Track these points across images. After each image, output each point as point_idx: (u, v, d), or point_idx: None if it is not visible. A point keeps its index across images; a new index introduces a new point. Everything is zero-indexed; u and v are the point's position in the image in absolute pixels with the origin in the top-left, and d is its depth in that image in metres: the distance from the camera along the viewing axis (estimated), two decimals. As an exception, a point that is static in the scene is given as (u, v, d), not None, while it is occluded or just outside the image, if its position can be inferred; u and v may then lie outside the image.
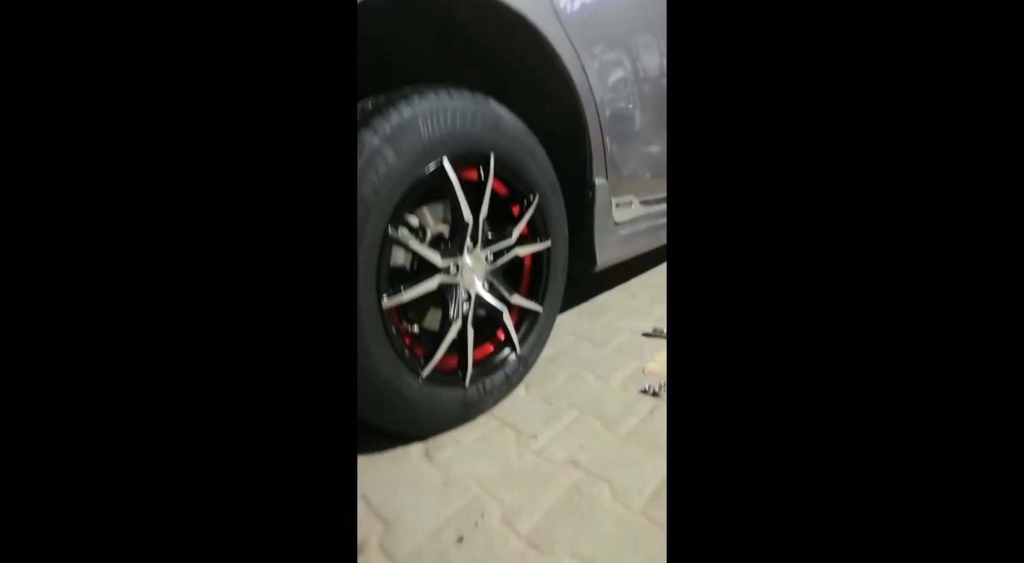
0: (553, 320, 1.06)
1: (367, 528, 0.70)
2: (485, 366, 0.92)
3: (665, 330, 1.30)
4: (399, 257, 0.80)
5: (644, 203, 1.31)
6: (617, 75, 1.10)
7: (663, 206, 1.41)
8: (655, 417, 0.93)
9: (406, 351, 0.77)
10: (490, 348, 0.96)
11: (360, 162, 0.64)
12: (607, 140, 1.07)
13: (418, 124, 0.70)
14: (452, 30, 0.90)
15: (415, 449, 0.87)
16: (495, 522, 0.70)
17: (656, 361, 1.15)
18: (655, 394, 1.00)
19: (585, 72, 0.98)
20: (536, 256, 1.00)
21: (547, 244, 0.98)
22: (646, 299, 1.62)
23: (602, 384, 1.07)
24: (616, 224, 1.19)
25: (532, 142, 0.90)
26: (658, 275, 1.88)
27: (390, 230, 0.70)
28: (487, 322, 0.94)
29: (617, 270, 2.00)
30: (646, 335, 1.31)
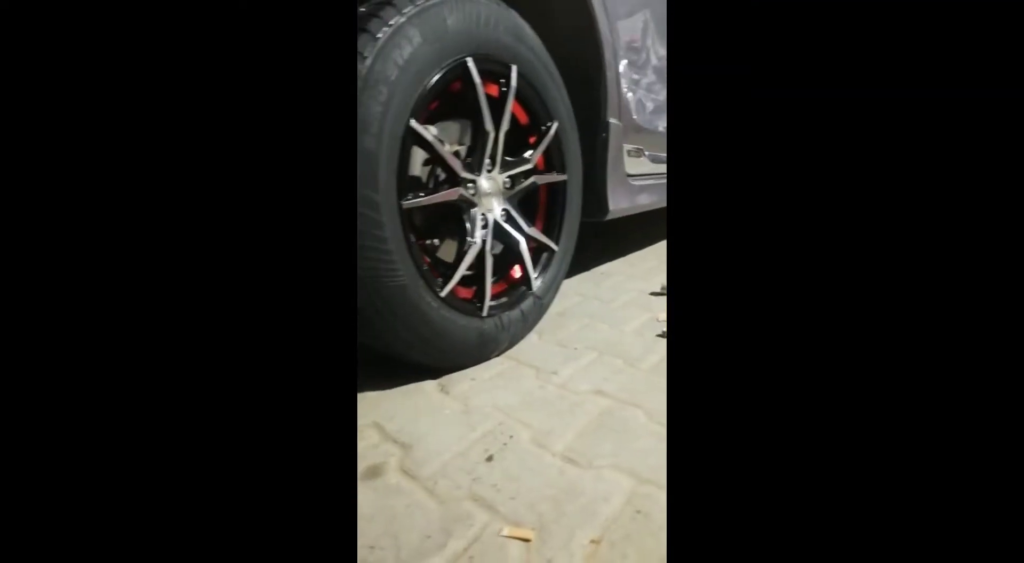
0: (568, 260, 1.01)
1: (383, 453, 0.62)
2: (502, 299, 0.86)
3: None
4: (416, 167, 0.74)
5: (654, 160, 1.29)
6: (633, 21, 1.08)
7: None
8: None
9: (424, 266, 0.71)
10: (505, 285, 0.90)
11: (381, 40, 0.59)
12: (622, 81, 1.05)
13: (443, 11, 0.65)
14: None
15: (428, 384, 0.80)
16: (524, 442, 0.64)
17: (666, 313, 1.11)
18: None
19: (605, 7, 0.95)
20: (552, 191, 0.96)
21: (564, 177, 0.94)
22: (644, 269, 1.59)
23: (617, 331, 1.02)
24: (628, 175, 1.16)
25: (551, 65, 0.87)
26: (653, 251, 1.87)
27: (412, 123, 0.64)
28: (503, 257, 0.88)
29: (613, 244, 1.98)
30: (654, 294, 1.28)
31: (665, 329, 1.00)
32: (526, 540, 0.47)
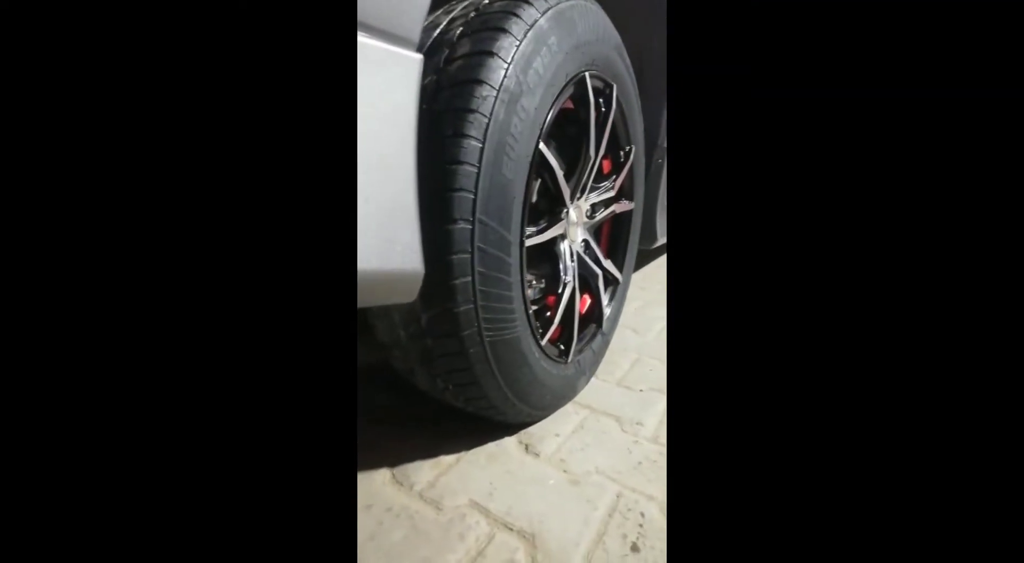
0: (626, 291, 0.94)
1: (504, 547, 0.51)
2: (580, 339, 0.77)
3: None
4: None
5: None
6: None
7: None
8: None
9: (530, 311, 0.60)
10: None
11: (523, 43, 0.48)
12: (679, 103, 1.00)
13: (574, 14, 0.56)
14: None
15: (509, 443, 0.68)
16: (660, 520, 0.55)
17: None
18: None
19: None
20: (617, 219, 0.88)
21: (632, 205, 0.87)
22: (656, 292, 1.57)
23: (673, 368, 0.96)
24: (668, 199, 1.11)
25: (635, 84, 0.79)
26: (657, 269, 1.85)
27: (541, 146, 0.54)
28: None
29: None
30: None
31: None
32: None
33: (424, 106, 0.44)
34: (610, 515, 0.56)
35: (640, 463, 0.65)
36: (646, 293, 1.53)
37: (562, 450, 0.67)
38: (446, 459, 0.64)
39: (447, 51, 0.47)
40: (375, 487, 0.58)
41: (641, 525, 0.55)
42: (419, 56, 0.39)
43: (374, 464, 0.62)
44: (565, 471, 0.63)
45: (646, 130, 0.96)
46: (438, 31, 0.49)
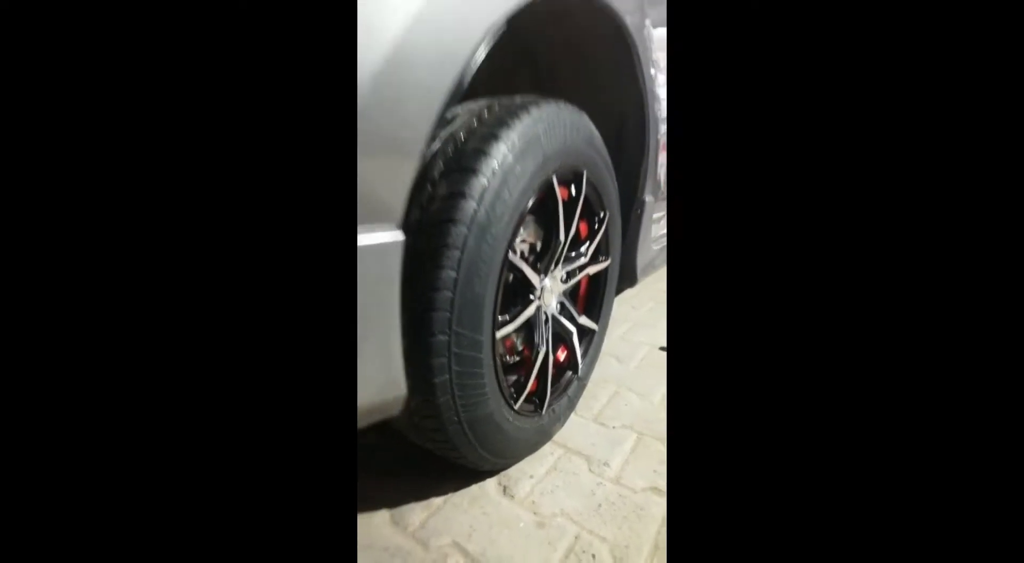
0: (604, 337, 1.04)
1: (476, 582, 0.63)
2: (555, 390, 0.87)
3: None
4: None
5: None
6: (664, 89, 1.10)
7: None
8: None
9: (505, 386, 0.70)
10: (555, 371, 0.91)
11: (494, 184, 0.57)
12: (659, 156, 1.07)
13: (540, 137, 0.64)
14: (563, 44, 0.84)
15: (490, 485, 0.80)
16: (609, 561, 0.67)
17: (688, 377, 1.17)
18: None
19: (649, 87, 0.96)
20: (592, 276, 0.97)
21: (608, 262, 0.96)
22: (645, 312, 1.65)
23: (646, 403, 1.06)
24: (652, 240, 1.19)
25: (608, 158, 0.87)
26: (645, 287, 1.93)
27: (510, 254, 0.63)
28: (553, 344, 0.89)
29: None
30: (663, 349, 1.34)
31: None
32: None
33: (410, 241, 0.53)
34: (566, 556, 0.67)
35: (600, 505, 0.77)
36: (636, 313, 1.62)
37: (534, 492, 0.79)
38: (435, 501, 0.76)
39: (429, 189, 0.56)
40: (374, 528, 0.71)
41: (591, 558, 0.66)
42: (401, 238, 0.49)
43: (374, 506, 0.74)
44: (535, 513, 0.75)
45: (624, 186, 1.04)
46: (423, 168, 0.58)
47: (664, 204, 1.22)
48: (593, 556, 0.67)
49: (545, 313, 0.81)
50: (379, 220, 0.48)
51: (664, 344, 1.36)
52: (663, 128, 1.05)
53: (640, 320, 1.55)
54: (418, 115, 0.49)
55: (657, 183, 1.12)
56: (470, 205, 0.55)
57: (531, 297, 0.75)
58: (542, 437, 0.85)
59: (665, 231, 1.29)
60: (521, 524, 0.72)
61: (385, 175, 0.47)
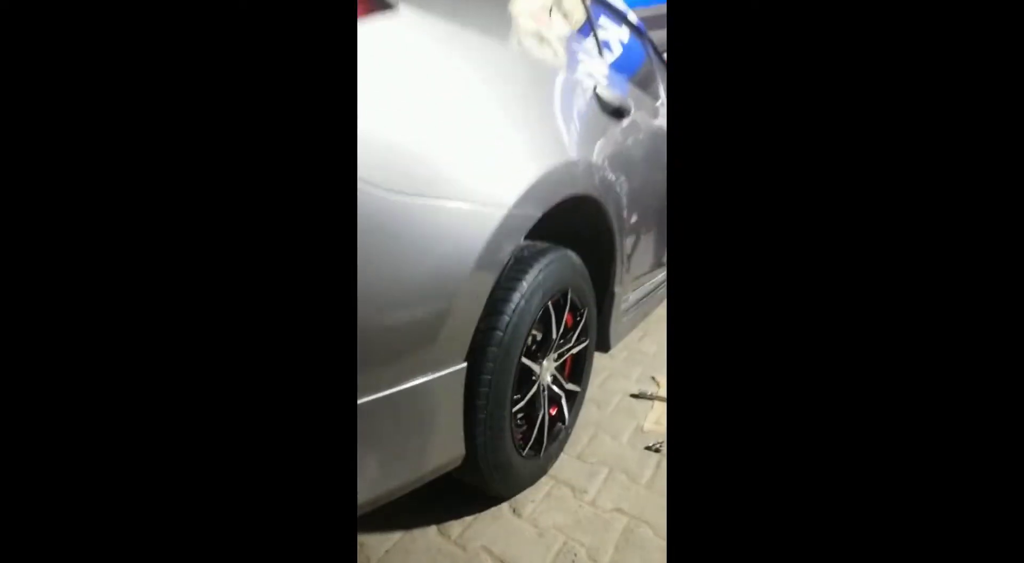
0: (585, 393, 1.40)
1: (499, 572, 0.97)
2: (549, 439, 1.23)
3: (648, 391, 1.70)
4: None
5: (635, 290, 1.71)
6: (630, 220, 1.47)
7: (646, 286, 1.82)
8: (661, 468, 1.30)
9: (518, 443, 1.06)
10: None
11: (514, 317, 0.93)
12: (623, 265, 1.45)
13: (543, 280, 1.01)
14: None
15: (504, 507, 1.14)
16: (584, 559, 1.01)
17: (650, 421, 1.53)
18: (657, 450, 1.37)
19: (617, 227, 1.34)
20: (577, 352, 1.33)
21: (587, 342, 1.32)
22: (620, 360, 2.01)
23: (616, 443, 1.42)
24: (621, 313, 1.57)
25: (587, 273, 1.24)
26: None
27: (524, 360, 0.99)
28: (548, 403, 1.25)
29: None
30: (634, 396, 1.70)
31: (651, 442, 1.41)
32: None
33: (468, 364, 0.88)
34: (557, 556, 1.02)
35: (580, 521, 1.11)
36: (613, 362, 1.98)
37: (535, 512, 1.13)
38: (467, 519, 1.10)
39: (480, 327, 0.91)
40: (428, 537, 1.05)
41: (576, 557, 1.01)
42: (464, 365, 0.85)
43: (425, 522, 1.08)
44: (535, 526, 1.09)
45: (599, 286, 1.41)
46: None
47: (632, 284, 1.60)
48: (575, 555, 1.02)
49: (542, 386, 1.17)
50: (458, 356, 0.83)
51: (633, 392, 1.73)
52: (628, 241, 1.43)
53: (615, 369, 1.91)
54: (485, 283, 0.84)
55: (625, 277, 1.50)
56: (498, 335, 0.91)
57: (533, 379, 1.11)
58: (540, 472, 1.20)
59: (632, 301, 1.67)
60: (527, 534, 1.07)
61: (465, 327, 0.83)
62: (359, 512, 0.72)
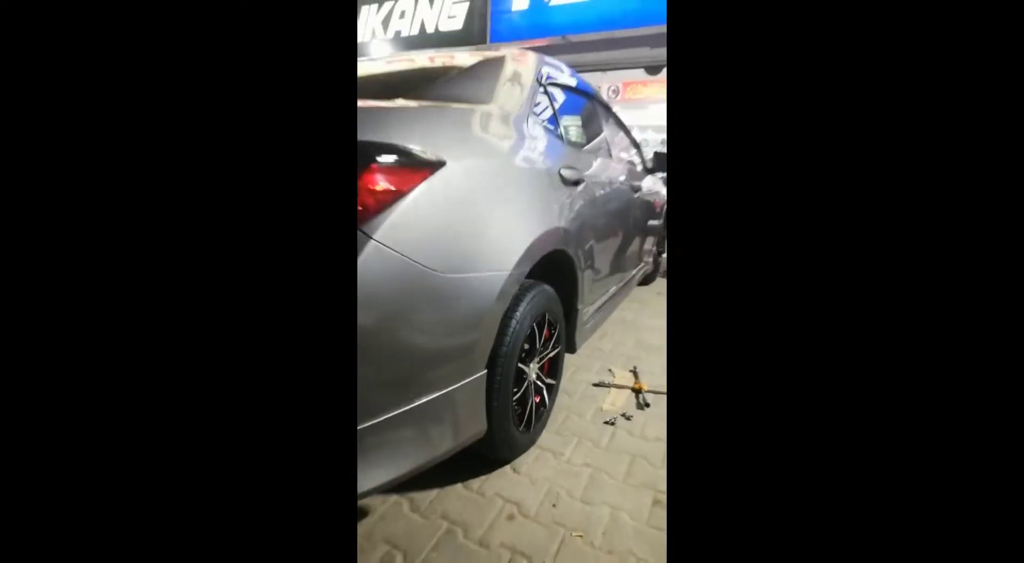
0: (560, 384, 1.90)
1: (508, 510, 1.45)
2: (536, 418, 1.72)
3: (605, 380, 2.21)
4: (507, 370, 1.57)
5: (592, 305, 2.22)
6: (586, 258, 1.97)
7: (599, 302, 2.34)
8: (616, 436, 1.81)
9: (515, 417, 1.54)
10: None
11: (511, 337, 1.41)
12: (583, 289, 1.95)
13: (529, 308, 1.49)
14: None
15: (507, 468, 1.62)
16: (566, 498, 1.51)
17: (607, 403, 2.05)
18: (612, 423, 1.89)
19: (578, 265, 1.83)
20: (553, 356, 1.83)
21: (560, 348, 1.82)
22: (583, 355, 2.53)
23: (583, 420, 1.92)
24: (583, 323, 2.07)
25: (558, 299, 1.74)
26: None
27: (519, 364, 1.47)
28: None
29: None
30: (595, 385, 2.21)
31: (607, 419, 1.93)
32: (580, 536, 1.34)
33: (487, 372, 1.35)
34: (546, 496, 1.51)
35: (560, 473, 1.61)
36: (579, 359, 2.49)
37: (529, 470, 1.62)
38: (483, 477, 1.57)
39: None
40: (455, 491, 1.51)
41: (558, 497, 1.50)
42: (485, 372, 1.31)
43: (451, 480, 1.55)
44: (530, 478, 1.57)
45: (566, 306, 1.91)
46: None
47: (591, 299, 2.11)
48: (558, 496, 1.51)
49: (530, 382, 1.66)
50: (482, 366, 1.29)
51: (594, 382, 2.24)
52: (586, 274, 1.94)
53: (580, 364, 2.43)
54: (497, 317, 1.31)
55: (586, 296, 2.00)
56: (504, 350, 1.38)
57: (524, 377, 1.59)
58: (530, 443, 1.69)
59: (591, 311, 2.18)
60: (524, 484, 1.55)
61: (486, 347, 1.29)
62: (432, 464, 1.17)
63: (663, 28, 5.12)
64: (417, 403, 1.08)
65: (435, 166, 1.08)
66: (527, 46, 5.99)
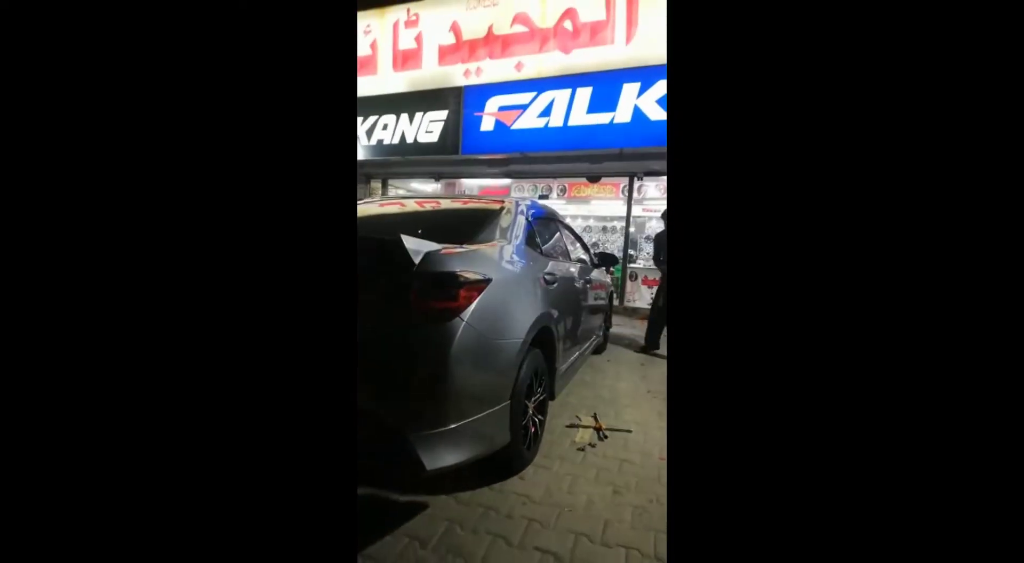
0: (548, 418, 2.70)
1: (522, 500, 2.18)
2: (534, 441, 2.49)
3: (575, 423, 3.02)
4: (516, 406, 2.37)
5: (565, 363, 3.08)
6: (562, 331, 2.87)
7: (570, 360, 3.20)
8: (586, 458, 2.59)
9: (523, 439, 2.32)
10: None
11: (523, 375, 2.23)
12: (559, 352, 2.83)
13: (532, 361, 2.32)
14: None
15: (515, 478, 2.35)
16: (557, 492, 2.25)
17: (577, 437, 2.84)
18: (583, 450, 2.68)
19: (556, 337, 2.72)
20: (540, 400, 2.65)
21: (544, 395, 2.64)
22: (557, 406, 3.34)
23: (563, 448, 2.70)
24: (560, 376, 2.92)
25: (543, 359, 2.59)
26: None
27: (524, 400, 2.28)
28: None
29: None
30: (568, 426, 3.01)
31: (580, 447, 2.72)
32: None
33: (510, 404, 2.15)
34: (544, 490, 2.25)
35: (550, 479, 2.36)
36: (554, 408, 3.29)
37: (532, 477, 2.36)
38: (497, 484, 2.29)
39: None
40: (480, 493, 2.22)
41: (553, 491, 2.24)
42: (508, 403, 2.12)
43: (478, 484, 2.26)
44: (533, 482, 2.31)
45: (548, 364, 2.76)
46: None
47: (565, 356, 2.98)
48: (553, 491, 2.26)
49: (529, 415, 2.45)
50: (507, 397, 2.09)
51: (567, 423, 3.05)
52: (561, 344, 2.83)
53: (555, 413, 3.22)
54: (515, 367, 2.13)
55: (560, 356, 2.87)
56: (519, 389, 2.20)
57: (526, 411, 2.39)
58: (531, 458, 2.45)
59: (566, 364, 3.03)
60: (530, 485, 2.29)
61: (509, 385, 2.10)
62: (469, 462, 1.91)
63: (599, 151, 6.56)
64: (480, 415, 1.87)
65: (487, 281, 1.97)
66: (493, 158, 7.31)
